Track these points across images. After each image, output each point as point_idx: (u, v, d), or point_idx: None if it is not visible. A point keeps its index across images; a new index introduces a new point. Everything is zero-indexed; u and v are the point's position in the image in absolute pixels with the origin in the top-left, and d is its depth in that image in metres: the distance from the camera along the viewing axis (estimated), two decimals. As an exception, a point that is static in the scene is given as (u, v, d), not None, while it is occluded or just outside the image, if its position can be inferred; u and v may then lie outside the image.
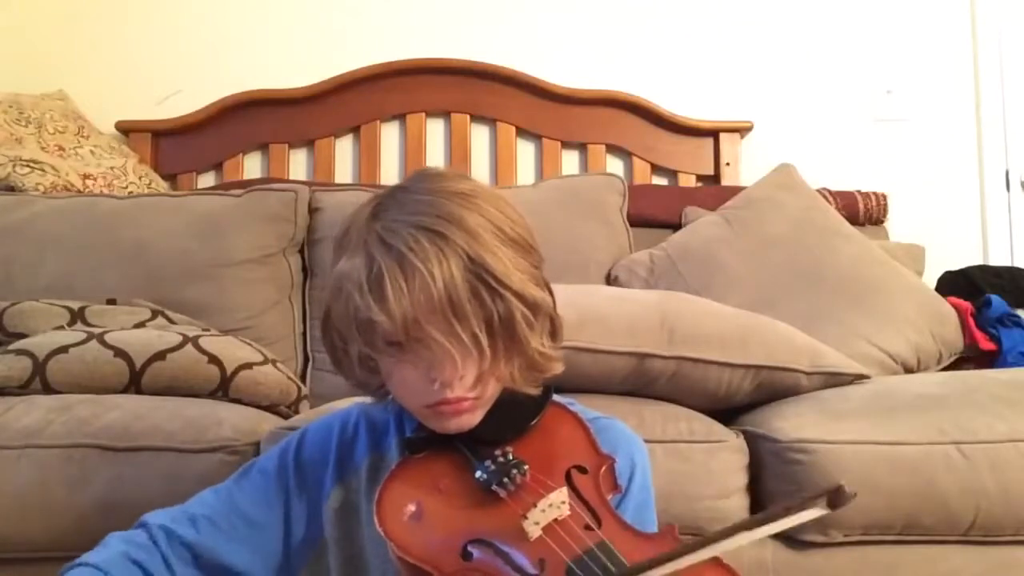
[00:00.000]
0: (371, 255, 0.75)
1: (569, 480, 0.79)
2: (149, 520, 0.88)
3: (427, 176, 0.82)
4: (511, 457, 0.79)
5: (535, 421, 0.84)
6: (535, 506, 0.74)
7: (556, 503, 0.74)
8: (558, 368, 0.83)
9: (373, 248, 0.75)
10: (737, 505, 1.24)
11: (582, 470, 0.80)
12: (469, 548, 0.74)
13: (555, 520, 0.73)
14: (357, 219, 0.80)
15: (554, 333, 0.83)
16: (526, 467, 0.78)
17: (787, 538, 1.24)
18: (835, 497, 0.59)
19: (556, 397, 0.88)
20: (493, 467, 0.78)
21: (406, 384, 0.79)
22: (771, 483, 1.25)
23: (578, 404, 0.91)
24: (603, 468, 0.81)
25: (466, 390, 0.77)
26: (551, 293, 0.83)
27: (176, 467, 1.18)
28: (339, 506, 0.89)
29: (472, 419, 0.80)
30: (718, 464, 1.23)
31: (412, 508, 0.77)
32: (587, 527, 0.74)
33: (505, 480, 0.77)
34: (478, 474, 0.78)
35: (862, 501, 1.19)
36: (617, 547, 0.71)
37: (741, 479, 1.25)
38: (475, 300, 0.74)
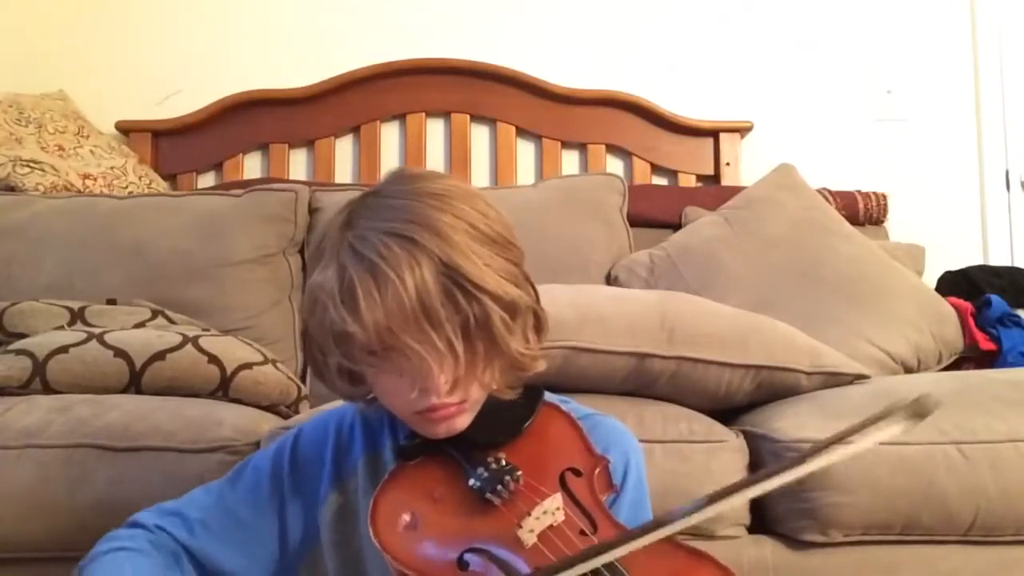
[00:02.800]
0: (343, 265, 0.74)
1: (563, 484, 0.78)
2: (143, 520, 0.87)
3: (400, 178, 0.81)
4: (504, 463, 0.78)
5: (528, 424, 0.84)
6: (530, 514, 0.73)
7: (551, 510, 0.74)
8: (540, 366, 0.82)
9: (345, 258, 0.74)
10: (737, 505, 1.24)
11: (576, 473, 0.79)
12: (465, 557, 0.73)
13: (550, 527, 0.73)
14: (331, 228, 0.79)
15: (539, 328, 0.82)
16: (519, 473, 0.78)
17: (787, 538, 1.24)
18: (918, 407, 0.55)
19: (548, 396, 0.88)
20: (486, 474, 0.77)
21: (389, 393, 0.79)
22: (771, 483, 1.25)
23: (572, 402, 0.91)
24: (597, 469, 0.80)
25: (448, 395, 0.76)
26: (534, 288, 0.81)
27: (176, 467, 1.18)
28: (337, 508, 0.88)
29: (460, 423, 0.79)
30: (718, 464, 1.23)
31: (407, 518, 0.76)
32: (582, 532, 0.74)
33: (499, 488, 0.76)
34: (471, 482, 0.77)
35: (862, 501, 1.19)
36: None
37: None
38: (449, 305, 0.72)
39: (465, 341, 0.74)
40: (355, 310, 0.72)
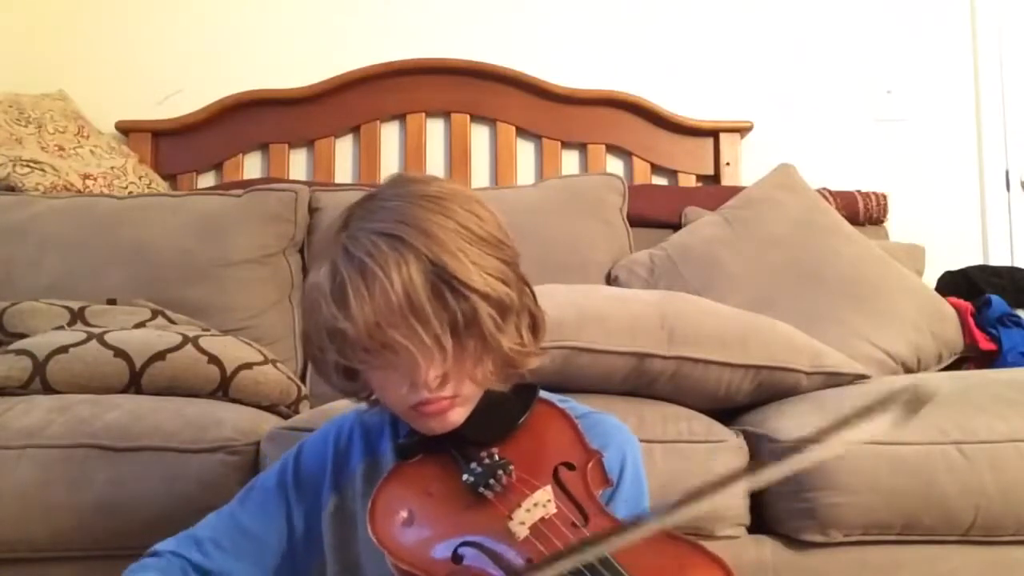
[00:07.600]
0: (335, 265, 0.76)
1: (556, 477, 0.79)
2: (160, 548, 0.90)
3: (397, 182, 0.83)
4: (497, 458, 0.80)
5: (522, 420, 0.85)
6: (520, 506, 0.75)
7: (541, 502, 0.75)
8: (534, 363, 0.83)
9: (337, 258, 0.76)
10: (737, 505, 1.24)
11: (569, 467, 0.80)
12: (460, 550, 0.74)
13: (541, 519, 0.74)
14: (329, 231, 0.81)
15: (535, 327, 0.83)
16: (511, 467, 0.79)
17: (787, 538, 1.24)
18: (914, 398, 0.54)
19: (546, 395, 0.88)
20: (479, 469, 0.79)
21: (383, 388, 0.80)
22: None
23: (571, 401, 0.92)
24: (591, 463, 0.81)
25: (438, 390, 0.77)
26: (530, 288, 0.83)
27: (176, 467, 1.18)
28: (335, 512, 0.90)
29: (454, 418, 0.80)
30: (718, 464, 1.23)
31: (404, 514, 0.78)
32: (573, 525, 0.74)
33: (491, 481, 0.78)
34: (465, 477, 0.79)
35: (862, 501, 1.19)
36: None
37: (741, 479, 1.25)
38: (437, 302, 0.74)
39: (454, 338, 0.75)
40: (346, 307, 0.74)
